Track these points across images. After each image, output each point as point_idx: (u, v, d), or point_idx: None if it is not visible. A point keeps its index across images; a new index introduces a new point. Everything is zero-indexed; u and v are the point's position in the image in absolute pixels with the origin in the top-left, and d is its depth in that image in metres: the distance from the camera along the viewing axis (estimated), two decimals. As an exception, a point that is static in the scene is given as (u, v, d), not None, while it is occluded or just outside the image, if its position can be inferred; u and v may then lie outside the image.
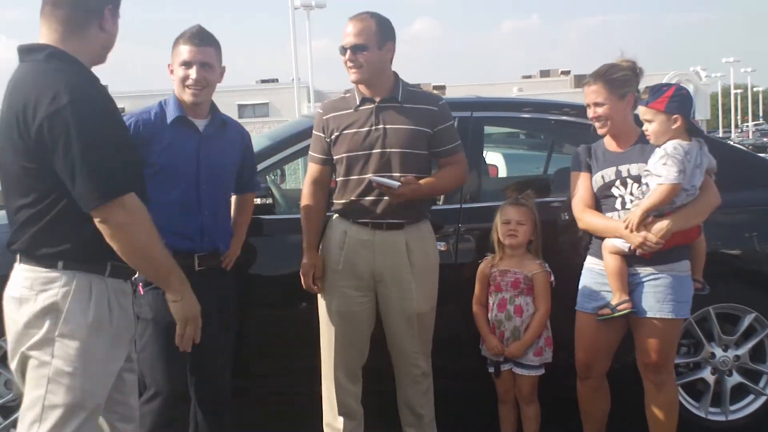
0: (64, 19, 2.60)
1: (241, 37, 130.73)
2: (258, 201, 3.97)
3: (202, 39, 3.51)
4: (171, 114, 3.50)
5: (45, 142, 2.43)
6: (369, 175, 3.64)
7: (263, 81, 51.03)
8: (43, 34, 2.62)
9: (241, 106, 45.10)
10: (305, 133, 4.34)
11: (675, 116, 3.50)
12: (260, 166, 4.29)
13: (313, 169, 3.87)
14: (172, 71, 3.56)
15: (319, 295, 3.87)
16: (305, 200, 3.87)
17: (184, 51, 3.49)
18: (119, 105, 2.72)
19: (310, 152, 3.90)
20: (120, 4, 2.74)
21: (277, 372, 4.33)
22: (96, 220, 2.48)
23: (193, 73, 3.47)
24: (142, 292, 3.39)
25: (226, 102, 44.41)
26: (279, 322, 4.24)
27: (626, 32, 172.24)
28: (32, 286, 2.56)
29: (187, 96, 3.50)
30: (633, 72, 3.71)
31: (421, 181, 3.64)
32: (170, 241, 3.25)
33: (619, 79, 3.67)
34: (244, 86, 48.43)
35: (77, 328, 2.55)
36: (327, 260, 3.81)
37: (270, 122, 22.99)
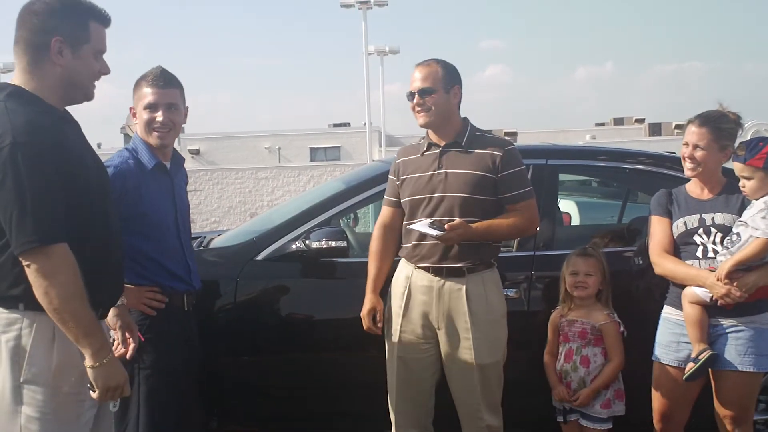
0: (22, 54, 2.58)
1: (314, 81, 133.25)
2: (333, 244, 4.03)
3: (166, 81, 3.43)
4: (148, 161, 3.42)
5: None
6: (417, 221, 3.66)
7: (335, 125, 51.52)
8: (15, 72, 2.61)
9: (312, 150, 45.54)
10: (380, 178, 4.41)
11: None
12: (335, 210, 4.39)
13: (384, 212, 3.95)
14: (134, 114, 3.47)
15: (385, 340, 3.89)
16: (373, 243, 3.94)
17: (149, 93, 3.41)
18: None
19: (384, 195, 3.97)
20: (86, 39, 2.63)
21: (345, 416, 4.35)
22: (23, 264, 2.43)
23: (159, 116, 3.40)
24: (142, 339, 3.32)
25: (297, 145, 45.01)
26: (351, 366, 4.26)
27: (703, 80, 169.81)
28: None
29: (153, 139, 3.43)
30: (738, 126, 3.70)
31: (474, 225, 3.60)
32: (171, 283, 3.40)
33: (726, 130, 3.66)
34: (316, 130, 48.93)
35: (42, 371, 2.51)
36: (391, 304, 3.85)
37: (341, 166, 23.21)
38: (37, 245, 2.40)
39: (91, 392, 2.56)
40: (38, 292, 2.43)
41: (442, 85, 3.69)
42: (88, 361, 2.51)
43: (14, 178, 2.39)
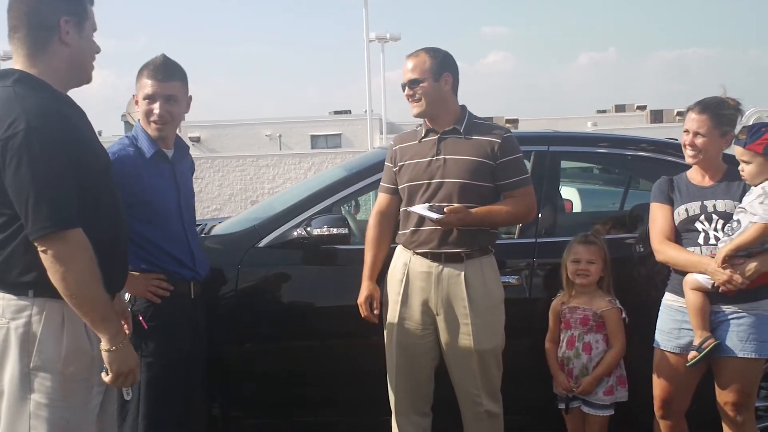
0: (24, 40, 2.55)
1: (315, 68, 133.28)
2: (334, 231, 4.02)
3: (166, 73, 3.39)
4: (148, 149, 3.40)
5: (2, 166, 2.40)
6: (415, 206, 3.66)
7: (336, 112, 51.49)
8: (14, 60, 2.58)
9: (313, 137, 45.49)
10: (381, 165, 4.40)
11: None
12: (336, 197, 4.39)
13: (380, 198, 3.96)
14: (137, 102, 3.44)
15: (384, 327, 3.89)
16: (370, 230, 3.95)
17: (147, 85, 3.38)
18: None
19: (380, 183, 3.98)
20: (87, 16, 2.63)
21: (347, 402, 4.35)
22: (39, 250, 2.43)
23: (156, 107, 3.37)
24: (146, 327, 3.33)
25: (298, 133, 44.95)
26: (352, 352, 4.25)
27: (706, 67, 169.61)
28: (3, 313, 2.52)
29: (151, 130, 3.42)
30: (738, 112, 3.69)
31: (474, 210, 3.61)
32: (177, 269, 3.40)
33: (726, 116, 3.65)
34: (316, 117, 48.89)
35: (51, 358, 2.51)
36: (389, 291, 3.85)
37: (342, 153, 23.18)
38: (53, 230, 2.41)
39: (104, 375, 2.58)
40: (55, 278, 2.44)
41: (431, 74, 3.70)
42: (104, 345, 2.54)
43: (29, 164, 2.39)
